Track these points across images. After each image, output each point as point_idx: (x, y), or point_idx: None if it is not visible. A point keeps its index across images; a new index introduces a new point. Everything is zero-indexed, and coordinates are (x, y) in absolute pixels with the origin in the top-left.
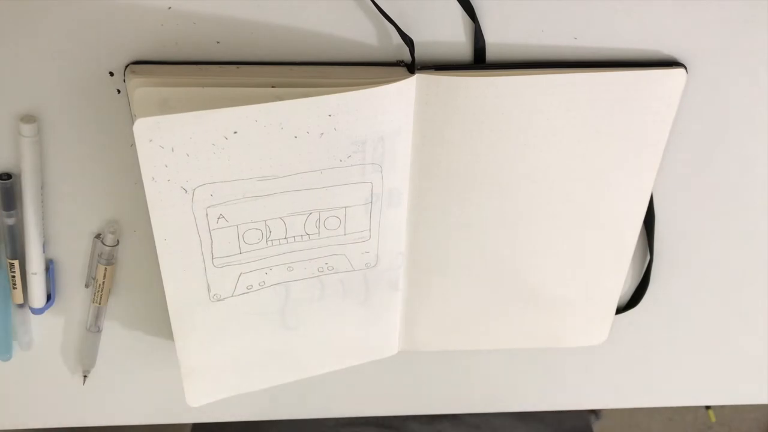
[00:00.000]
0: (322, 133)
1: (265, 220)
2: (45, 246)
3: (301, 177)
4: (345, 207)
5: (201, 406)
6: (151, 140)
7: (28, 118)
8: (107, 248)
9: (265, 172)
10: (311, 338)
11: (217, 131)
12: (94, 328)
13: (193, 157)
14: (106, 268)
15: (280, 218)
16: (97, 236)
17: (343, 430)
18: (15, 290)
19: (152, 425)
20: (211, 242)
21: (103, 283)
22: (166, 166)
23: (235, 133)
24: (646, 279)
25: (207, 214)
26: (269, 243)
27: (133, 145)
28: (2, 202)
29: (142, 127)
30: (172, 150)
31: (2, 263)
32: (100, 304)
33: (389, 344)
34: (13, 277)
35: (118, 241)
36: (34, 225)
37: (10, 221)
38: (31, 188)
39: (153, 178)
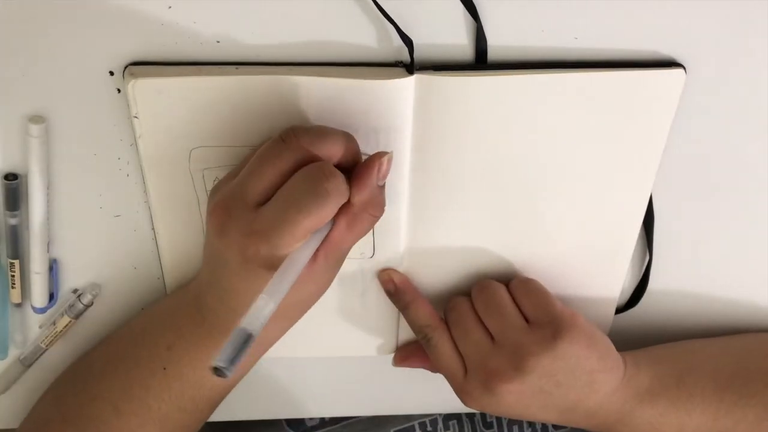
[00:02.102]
0: (312, 114)
1: None
2: (48, 245)
3: None
4: None
5: None
6: (149, 101)
7: (37, 119)
8: (81, 305)
9: (257, 143)
10: (307, 319)
11: (212, 98)
12: (26, 361)
13: (190, 120)
14: (70, 320)
15: None
16: (75, 290)
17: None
18: (14, 290)
19: None
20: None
21: (60, 331)
22: (164, 126)
23: (229, 101)
24: (645, 279)
25: (203, 176)
26: None
27: (133, 144)
28: (7, 203)
29: (142, 87)
30: (170, 112)
31: (1, 263)
32: (46, 346)
33: (388, 341)
34: (13, 276)
35: (93, 302)
36: (40, 225)
37: (14, 221)
38: (39, 188)
39: (151, 137)
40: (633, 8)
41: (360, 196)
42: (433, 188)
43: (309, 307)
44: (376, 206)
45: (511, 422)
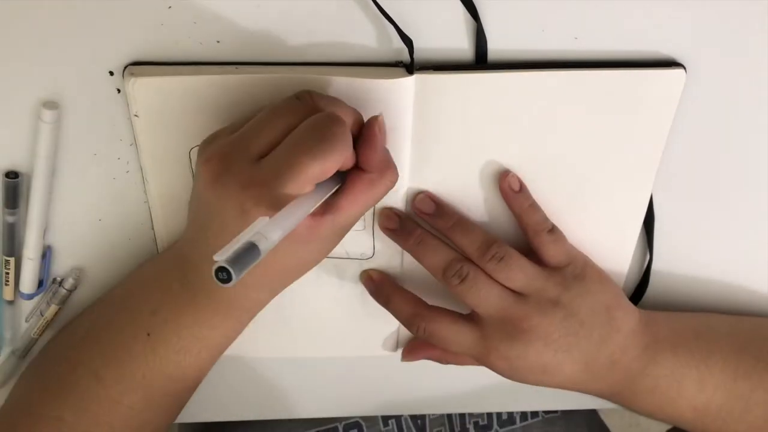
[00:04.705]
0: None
1: None
2: (45, 247)
3: None
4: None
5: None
6: (149, 100)
7: (50, 104)
8: (64, 291)
9: None
10: (307, 319)
11: (212, 97)
12: (19, 352)
13: (189, 119)
14: (59, 308)
15: None
16: (54, 279)
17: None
18: (7, 287)
19: None
20: None
21: (51, 319)
22: (163, 126)
23: (229, 101)
24: (645, 279)
25: None
26: None
27: (133, 144)
28: (7, 200)
29: (142, 86)
30: (170, 112)
31: None
32: (39, 336)
33: (388, 341)
34: (7, 273)
35: (76, 286)
36: (38, 214)
37: (12, 219)
38: (43, 174)
39: (150, 137)
40: (633, 8)
41: (373, 156)
42: (433, 188)
43: (295, 278)
44: (392, 169)
45: (500, 415)
